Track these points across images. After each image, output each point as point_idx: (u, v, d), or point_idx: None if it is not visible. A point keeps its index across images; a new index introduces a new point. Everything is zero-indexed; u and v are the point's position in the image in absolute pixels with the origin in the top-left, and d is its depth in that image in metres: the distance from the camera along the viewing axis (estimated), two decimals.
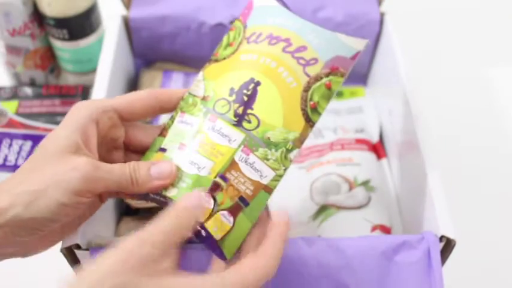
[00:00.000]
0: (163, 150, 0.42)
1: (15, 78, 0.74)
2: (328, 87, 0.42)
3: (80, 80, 0.73)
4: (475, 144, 0.71)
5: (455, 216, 0.46)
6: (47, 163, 0.38)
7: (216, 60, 0.44)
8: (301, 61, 0.42)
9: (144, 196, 0.41)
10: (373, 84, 0.70)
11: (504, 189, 0.67)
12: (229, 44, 0.44)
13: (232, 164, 0.40)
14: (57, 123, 0.68)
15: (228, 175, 0.40)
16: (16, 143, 0.66)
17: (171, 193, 0.39)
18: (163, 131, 0.43)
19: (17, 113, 0.69)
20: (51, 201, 0.37)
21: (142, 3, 0.66)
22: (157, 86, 0.65)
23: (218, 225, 0.38)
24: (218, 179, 0.39)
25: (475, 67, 0.80)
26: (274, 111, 0.41)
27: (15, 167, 0.64)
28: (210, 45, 0.67)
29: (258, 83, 0.41)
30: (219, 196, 0.39)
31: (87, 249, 0.43)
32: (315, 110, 0.42)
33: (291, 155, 0.41)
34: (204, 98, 0.42)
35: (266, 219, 0.41)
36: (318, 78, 0.42)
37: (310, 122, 0.42)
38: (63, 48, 0.70)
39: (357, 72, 0.71)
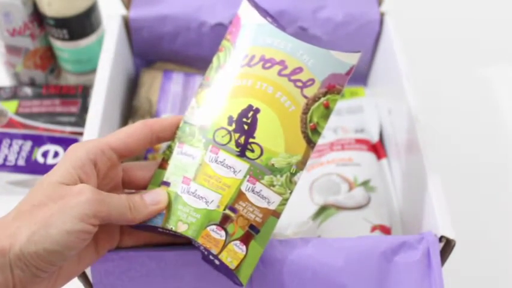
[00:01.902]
0: (166, 184, 0.42)
1: (15, 78, 0.74)
2: (326, 107, 0.42)
3: (80, 80, 0.73)
4: (475, 144, 0.71)
5: (455, 216, 0.46)
6: (46, 194, 0.36)
7: (208, 86, 0.44)
8: (298, 83, 0.42)
9: (152, 229, 0.41)
10: (373, 84, 0.70)
11: (504, 189, 0.67)
12: (219, 67, 0.44)
13: (240, 195, 0.40)
14: (57, 123, 0.68)
15: (236, 206, 0.40)
16: (16, 143, 0.66)
17: (181, 229, 0.40)
18: (163, 163, 0.43)
19: (17, 113, 0.69)
20: (56, 230, 0.35)
21: (142, 3, 0.66)
22: (157, 86, 0.65)
23: (232, 255, 0.39)
24: (227, 211, 0.40)
25: (475, 67, 0.80)
26: (275, 138, 0.41)
27: (15, 167, 0.64)
28: (210, 45, 0.67)
29: (257, 110, 0.41)
30: (230, 227, 0.40)
31: None
32: (315, 130, 0.42)
33: (296, 178, 0.42)
34: (201, 128, 0.42)
35: None
36: (315, 99, 0.42)
37: (311, 144, 0.42)
38: (63, 48, 0.70)
39: (357, 72, 0.70)
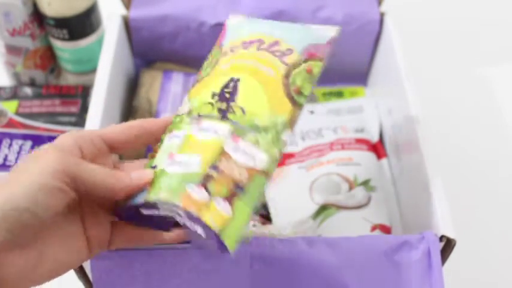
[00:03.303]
0: (154, 167, 0.40)
1: (15, 78, 0.74)
2: (309, 72, 0.42)
3: (80, 80, 0.73)
4: (475, 144, 0.71)
5: (455, 216, 0.46)
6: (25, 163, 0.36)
7: (198, 81, 0.44)
8: (277, 53, 0.43)
9: (138, 218, 0.40)
10: (373, 84, 0.70)
11: (504, 189, 0.67)
12: (208, 66, 0.45)
13: (222, 154, 0.38)
14: (57, 123, 0.68)
15: (218, 164, 0.38)
16: (16, 143, 0.66)
17: (161, 196, 0.37)
18: (153, 154, 0.42)
19: (17, 113, 0.69)
20: (25, 187, 0.34)
21: (142, 3, 0.66)
22: (157, 86, 0.66)
23: (215, 216, 0.36)
24: (209, 170, 0.38)
25: (475, 67, 0.80)
26: (257, 100, 0.41)
27: None
28: (210, 45, 0.67)
29: (237, 80, 0.41)
30: (212, 186, 0.37)
31: None
32: (300, 93, 0.42)
33: (283, 136, 0.40)
34: (189, 112, 0.42)
35: None
36: (296, 65, 0.42)
37: (296, 105, 0.41)
38: (63, 48, 0.70)
39: (357, 72, 0.71)
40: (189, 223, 0.37)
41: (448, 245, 0.44)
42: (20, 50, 0.70)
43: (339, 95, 0.70)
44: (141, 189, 0.38)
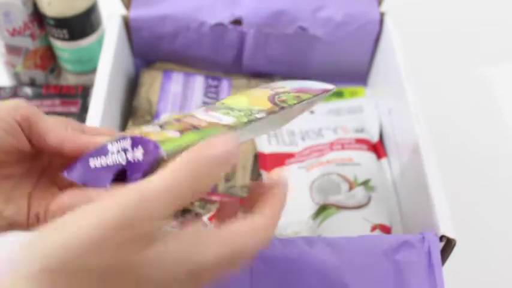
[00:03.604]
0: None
1: (15, 78, 0.74)
2: (297, 97, 0.44)
3: (80, 80, 0.73)
4: (475, 144, 0.71)
5: (455, 216, 0.46)
6: None
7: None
8: (270, 90, 0.44)
9: (84, 169, 0.37)
10: (373, 84, 0.70)
11: (504, 189, 0.67)
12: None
13: (189, 116, 0.38)
14: None
15: (182, 119, 0.37)
16: None
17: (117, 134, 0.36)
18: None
19: None
20: None
21: (142, 3, 0.66)
22: (157, 86, 0.66)
23: (159, 136, 0.34)
24: (172, 120, 0.37)
25: (475, 66, 0.80)
26: (239, 100, 0.42)
27: None
28: (210, 45, 0.67)
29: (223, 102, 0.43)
30: (167, 127, 0.36)
31: None
32: (284, 101, 0.42)
33: (258, 115, 0.39)
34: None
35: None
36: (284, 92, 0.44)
37: (276, 105, 0.41)
38: (63, 48, 0.70)
39: (357, 72, 0.71)
40: (131, 156, 0.35)
41: (448, 245, 0.44)
42: (20, 50, 0.70)
43: (339, 95, 0.70)
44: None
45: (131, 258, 0.26)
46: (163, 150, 0.32)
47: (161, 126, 0.36)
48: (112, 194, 0.27)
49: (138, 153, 0.34)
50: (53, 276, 0.25)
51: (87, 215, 0.27)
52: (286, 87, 0.45)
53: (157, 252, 0.27)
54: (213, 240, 0.28)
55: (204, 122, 0.37)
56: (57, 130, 0.37)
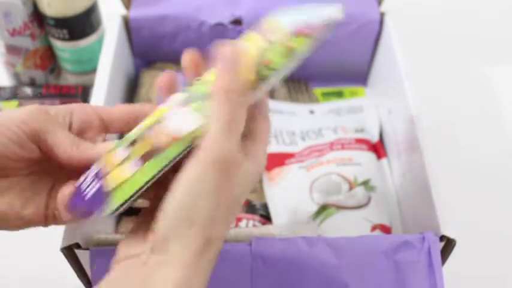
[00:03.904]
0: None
1: (15, 78, 0.74)
2: (289, 47, 0.39)
3: (80, 80, 0.73)
4: (475, 144, 0.71)
5: (455, 216, 0.46)
6: None
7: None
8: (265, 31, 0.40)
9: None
10: (373, 84, 0.70)
11: (504, 189, 0.67)
12: None
13: (162, 119, 0.37)
14: None
15: (154, 126, 0.37)
16: None
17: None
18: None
19: None
20: None
21: (142, 3, 0.66)
22: None
23: (118, 178, 0.35)
24: (145, 132, 0.37)
25: (475, 66, 0.80)
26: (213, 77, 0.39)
27: None
28: (210, 45, 0.67)
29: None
30: (136, 150, 0.36)
31: (87, 249, 0.43)
32: (267, 66, 0.38)
33: None
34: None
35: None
36: (273, 42, 0.39)
37: (259, 77, 0.38)
38: (63, 48, 0.70)
39: (357, 72, 0.71)
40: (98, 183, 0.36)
41: (448, 245, 0.44)
42: (20, 50, 0.70)
43: (339, 95, 0.70)
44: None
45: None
46: (109, 207, 0.35)
47: (132, 143, 0.37)
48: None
49: (91, 192, 0.36)
50: None
51: None
52: (282, 20, 0.41)
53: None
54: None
55: (163, 138, 0.36)
56: (65, 145, 0.37)
